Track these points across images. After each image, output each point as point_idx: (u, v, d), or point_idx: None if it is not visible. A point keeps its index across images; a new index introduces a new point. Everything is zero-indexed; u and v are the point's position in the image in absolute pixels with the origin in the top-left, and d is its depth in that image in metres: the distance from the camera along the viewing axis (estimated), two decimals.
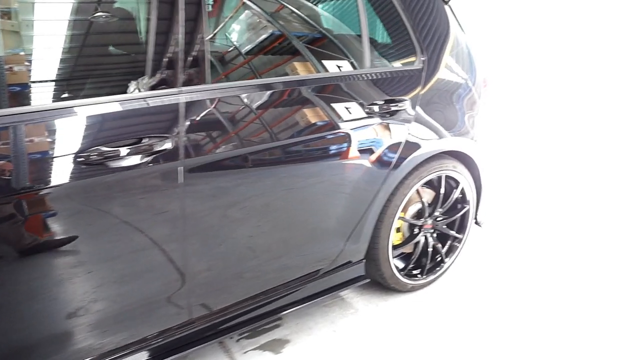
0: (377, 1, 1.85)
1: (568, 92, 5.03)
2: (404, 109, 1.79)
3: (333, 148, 1.64)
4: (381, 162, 1.77)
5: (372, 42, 1.83)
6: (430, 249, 2.11)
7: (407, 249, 2.10)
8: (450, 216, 2.14)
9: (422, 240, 2.10)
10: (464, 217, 2.19)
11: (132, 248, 1.31)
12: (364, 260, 1.94)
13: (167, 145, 1.26)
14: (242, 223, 1.51)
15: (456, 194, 2.10)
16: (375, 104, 1.72)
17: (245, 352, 1.74)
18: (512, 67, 5.03)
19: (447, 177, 2.04)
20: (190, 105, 1.32)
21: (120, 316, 1.35)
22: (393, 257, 1.99)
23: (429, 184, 2.03)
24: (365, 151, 1.72)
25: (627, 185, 3.44)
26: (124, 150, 1.19)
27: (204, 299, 1.53)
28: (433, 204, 2.07)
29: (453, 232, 2.17)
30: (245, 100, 1.45)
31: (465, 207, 2.16)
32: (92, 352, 1.34)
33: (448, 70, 1.98)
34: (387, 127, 1.77)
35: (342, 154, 1.66)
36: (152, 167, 1.25)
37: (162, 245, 1.35)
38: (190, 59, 1.33)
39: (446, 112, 1.97)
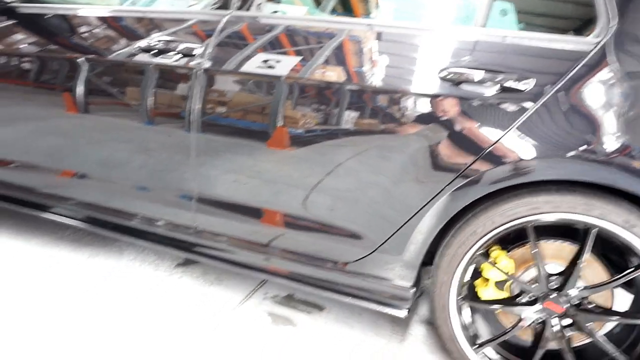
0: None
1: None
2: (523, 91, 1.20)
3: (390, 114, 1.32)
4: (445, 160, 1.26)
5: None
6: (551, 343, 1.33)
7: (506, 318, 1.40)
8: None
9: (531, 320, 1.33)
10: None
11: None
12: (413, 290, 1.41)
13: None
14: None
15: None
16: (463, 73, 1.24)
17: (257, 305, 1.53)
18: None
19: (595, 228, 1.20)
20: None
21: None
22: (460, 310, 1.38)
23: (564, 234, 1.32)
24: (424, 134, 1.27)
25: None
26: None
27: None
28: (568, 272, 1.29)
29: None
30: None
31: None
32: None
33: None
34: (472, 111, 1.23)
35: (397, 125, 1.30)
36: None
37: None
38: None
39: (604, 118, 1.15)
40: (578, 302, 1.30)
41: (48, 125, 1.77)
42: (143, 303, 1.64)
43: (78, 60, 1.67)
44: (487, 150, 1.21)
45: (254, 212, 1.55)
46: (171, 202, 1.64)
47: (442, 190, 1.28)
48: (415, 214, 1.34)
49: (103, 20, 1.73)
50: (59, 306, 1.57)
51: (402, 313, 1.43)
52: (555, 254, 1.33)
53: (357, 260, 1.46)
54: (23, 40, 1.81)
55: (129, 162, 1.67)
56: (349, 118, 1.35)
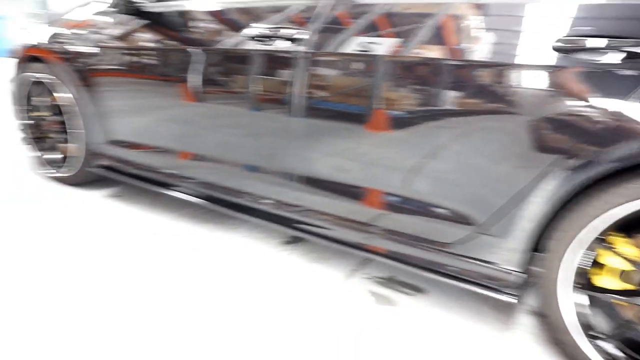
0: None
1: None
2: None
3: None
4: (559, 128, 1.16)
5: None
6: None
7: (630, 311, 1.25)
8: None
9: None
10: None
11: None
12: (521, 276, 1.36)
13: None
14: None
15: None
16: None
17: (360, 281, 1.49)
18: None
19: None
20: None
21: None
22: (573, 298, 1.27)
23: None
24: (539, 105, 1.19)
25: None
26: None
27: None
28: None
29: None
30: None
31: None
32: None
33: None
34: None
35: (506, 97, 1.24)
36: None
37: None
38: None
39: None
40: None
41: (170, 113, 1.99)
42: (255, 276, 1.78)
43: (193, 51, 1.84)
44: (610, 126, 1.11)
45: (355, 192, 1.59)
46: (277, 182, 1.75)
47: (552, 171, 1.20)
48: (522, 195, 1.28)
49: (212, 13, 1.87)
50: (182, 271, 1.76)
51: (508, 298, 1.38)
52: None
53: (459, 241, 1.43)
54: (148, 38, 2.04)
55: (240, 145, 1.82)
56: (452, 96, 1.32)
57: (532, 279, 1.39)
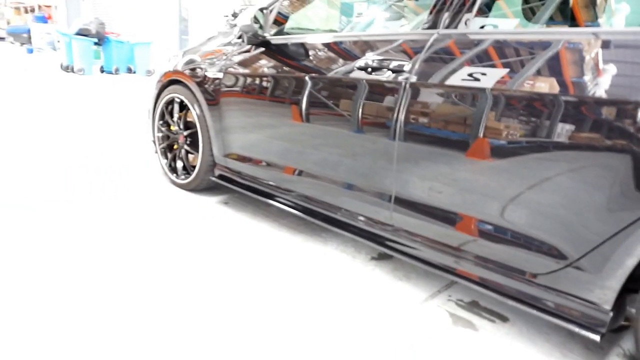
0: None
1: None
2: None
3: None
4: None
5: None
6: None
7: None
8: None
9: None
10: None
11: None
12: (611, 313, 1.32)
13: None
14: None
15: None
16: None
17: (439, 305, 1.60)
18: None
19: None
20: None
21: None
22: None
23: None
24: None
25: None
26: None
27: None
28: None
29: None
30: None
31: None
32: None
33: None
34: None
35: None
36: None
37: None
38: None
39: None
40: None
41: (280, 131, 2.23)
42: (340, 287, 1.91)
43: (305, 78, 2.06)
44: None
45: (448, 217, 1.66)
46: (372, 201, 1.88)
47: None
48: (618, 232, 1.26)
49: (327, 45, 2.09)
50: (281, 271, 1.95)
51: (594, 335, 1.35)
52: None
53: (549, 273, 1.44)
54: (265, 64, 2.32)
55: (339, 164, 1.98)
56: (561, 131, 1.35)
57: (628, 321, 1.35)
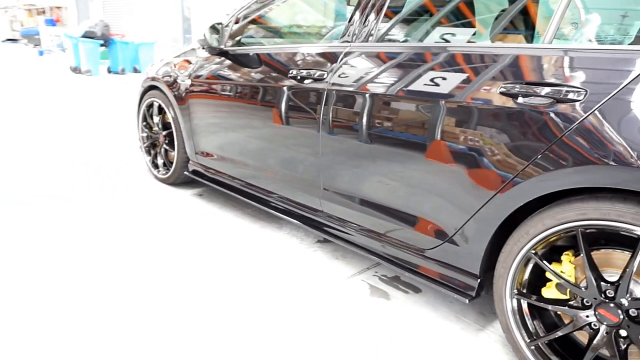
0: None
1: None
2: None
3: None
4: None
5: None
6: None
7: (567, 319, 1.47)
8: None
9: (582, 323, 1.39)
10: None
11: None
12: (479, 280, 1.61)
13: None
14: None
15: None
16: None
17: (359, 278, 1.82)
18: None
19: None
20: None
21: None
22: (516, 303, 1.51)
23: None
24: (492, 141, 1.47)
25: None
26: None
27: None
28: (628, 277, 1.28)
29: None
30: None
31: None
32: None
33: None
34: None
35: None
36: None
37: None
38: None
39: None
40: (635, 313, 1.30)
41: (233, 131, 2.53)
42: (284, 265, 2.21)
43: (252, 84, 2.36)
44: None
45: (361, 201, 1.97)
46: (311, 192, 2.18)
47: (495, 194, 1.48)
48: (476, 212, 1.56)
49: (271, 55, 2.38)
50: (237, 255, 2.26)
51: (463, 299, 1.65)
52: (610, 262, 1.36)
53: (433, 248, 1.73)
54: (227, 73, 2.62)
55: (281, 158, 2.28)
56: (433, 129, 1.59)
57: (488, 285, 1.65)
